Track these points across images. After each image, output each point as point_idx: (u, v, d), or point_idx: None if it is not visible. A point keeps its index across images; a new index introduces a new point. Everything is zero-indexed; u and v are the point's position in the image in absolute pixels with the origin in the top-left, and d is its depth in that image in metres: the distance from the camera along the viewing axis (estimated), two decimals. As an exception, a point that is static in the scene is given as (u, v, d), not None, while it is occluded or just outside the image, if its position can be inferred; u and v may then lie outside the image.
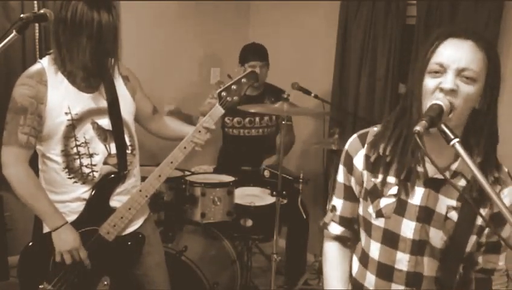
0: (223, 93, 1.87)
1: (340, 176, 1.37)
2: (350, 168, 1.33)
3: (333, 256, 1.43)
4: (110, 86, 1.83)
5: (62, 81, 1.73)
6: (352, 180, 1.34)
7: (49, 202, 1.77)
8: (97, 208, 1.84)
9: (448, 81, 1.12)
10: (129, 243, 1.91)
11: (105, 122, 1.81)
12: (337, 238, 1.43)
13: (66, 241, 1.76)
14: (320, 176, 3.24)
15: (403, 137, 1.23)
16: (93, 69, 1.72)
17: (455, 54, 1.13)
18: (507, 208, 0.98)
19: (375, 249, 1.30)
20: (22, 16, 1.51)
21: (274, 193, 2.59)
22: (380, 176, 1.27)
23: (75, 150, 1.76)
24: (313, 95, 2.98)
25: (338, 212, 1.40)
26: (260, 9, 3.97)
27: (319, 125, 3.33)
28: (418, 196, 1.24)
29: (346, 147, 1.35)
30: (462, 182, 1.22)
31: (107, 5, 1.65)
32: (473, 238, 1.24)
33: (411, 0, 2.95)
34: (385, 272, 1.30)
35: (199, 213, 2.57)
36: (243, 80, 1.88)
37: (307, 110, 2.86)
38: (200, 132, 1.87)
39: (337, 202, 1.40)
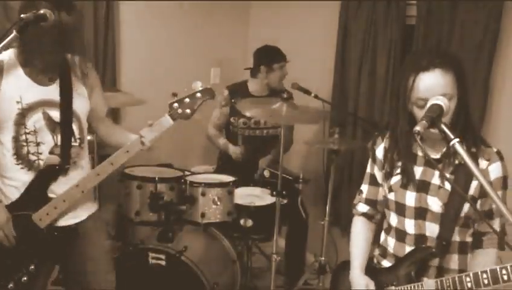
0: (175, 105, 1.89)
1: (368, 167, 1.75)
2: (374, 158, 1.72)
3: (358, 228, 1.78)
4: (65, 80, 1.91)
5: (18, 72, 1.83)
6: (375, 168, 1.71)
7: None
8: (34, 195, 1.89)
9: None
10: (56, 233, 1.94)
11: (56, 114, 1.88)
12: (363, 214, 1.78)
13: None
14: (320, 176, 3.24)
15: (401, 140, 1.57)
16: (50, 64, 1.84)
17: (430, 86, 1.41)
18: (493, 192, 1.17)
19: (393, 219, 1.65)
20: (22, 16, 1.52)
21: (274, 193, 2.59)
22: (392, 162, 1.62)
23: (24, 137, 1.84)
24: (313, 95, 2.98)
25: (364, 195, 1.77)
26: (260, 10, 3.97)
27: (319, 125, 3.33)
28: (417, 172, 1.57)
29: (370, 144, 1.73)
30: (454, 160, 1.50)
31: (67, 7, 1.75)
32: (466, 206, 1.50)
33: (411, 0, 2.95)
34: (400, 235, 1.63)
35: (199, 213, 2.57)
36: (198, 95, 1.90)
37: (307, 110, 2.86)
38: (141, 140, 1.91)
39: (364, 187, 1.78)
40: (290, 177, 3.07)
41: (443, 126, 1.21)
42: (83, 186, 1.91)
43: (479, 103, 2.60)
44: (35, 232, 1.90)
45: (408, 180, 1.57)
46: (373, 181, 1.74)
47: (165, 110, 1.92)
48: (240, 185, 2.83)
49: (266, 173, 3.15)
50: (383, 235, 1.75)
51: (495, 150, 1.52)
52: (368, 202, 1.76)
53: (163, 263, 2.46)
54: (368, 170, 1.76)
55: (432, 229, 1.56)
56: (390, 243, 1.68)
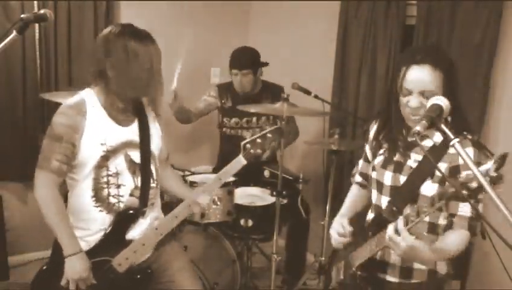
0: (248, 145, 1.93)
1: (366, 145, 1.88)
2: (367, 138, 1.85)
3: (352, 191, 1.97)
4: (144, 120, 1.91)
5: (100, 113, 1.81)
6: (367, 147, 1.85)
7: (68, 229, 1.82)
8: (113, 240, 1.87)
9: (413, 101, 1.53)
10: (138, 276, 1.92)
11: (136, 155, 1.87)
12: (358, 183, 1.96)
13: (75, 270, 1.79)
14: (320, 176, 3.24)
15: (390, 122, 1.70)
16: (132, 102, 1.85)
17: (416, 80, 1.52)
18: (490, 186, 1.15)
19: (373, 195, 1.76)
20: (22, 16, 1.51)
21: (274, 193, 2.59)
22: (378, 143, 1.75)
23: (105, 179, 1.82)
24: (313, 95, 2.98)
25: (359, 168, 1.94)
26: (260, 9, 3.97)
27: (319, 125, 3.32)
28: (396, 155, 1.67)
29: (370, 127, 1.85)
30: (428, 142, 1.59)
31: (151, 38, 1.78)
32: (435, 187, 1.55)
33: (411, 0, 2.95)
34: (377, 211, 1.73)
35: (199, 213, 2.57)
36: (268, 135, 1.95)
37: (307, 110, 2.86)
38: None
39: (360, 161, 1.94)
40: (290, 177, 3.07)
41: (443, 126, 1.22)
42: (161, 229, 1.91)
43: (479, 103, 2.60)
44: (114, 277, 1.88)
45: (387, 161, 1.69)
46: (366, 158, 1.89)
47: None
48: (240, 185, 2.83)
49: (266, 173, 3.15)
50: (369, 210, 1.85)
51: (470, 137, 1.54)
52: (361, 174, 1.93)
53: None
54: (365, 148, 1.89)
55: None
56: (370, 216, 1.79)
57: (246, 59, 3.11)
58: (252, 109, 2.71)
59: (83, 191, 1.84)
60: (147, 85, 1.79)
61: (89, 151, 1.78)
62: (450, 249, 1.53)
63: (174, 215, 1.92)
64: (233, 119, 3.23)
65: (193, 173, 2.96)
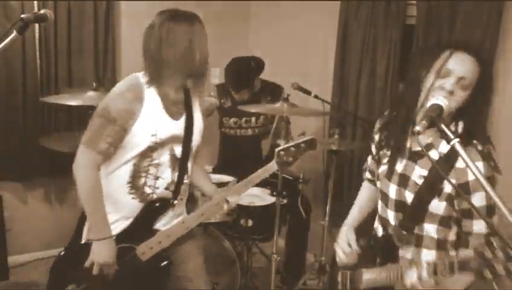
0: (281, 152, 1.92)
1: (372, 144, 1.79)
2: (373, 139, 1.76)
3: (363, 190, 1.90)
4: (190, 114, 1.88)
5: (156, 102, 1.78)
6: (374, 147, 1.76)
7: (104, 213, 1.79)
8: (141, 228, 1.86)
9: (448, 83, 1.43)
10: (159, 266, 1.91)
11: (179, 150, 1.85)
12: (369, 180, 1.88)
13: (102, 255, 1.78)
14: (320, 176, 3.24)
15: (399, 123, 1.58)
16: (184, 92, 1.83)
17: (461, 64, 1.44)
18: (491, 189, 1.12)
19: (379, 205, 1.69)
20: (22, 16, 1.51)
21: (274, 193, 2.59)
22: (383, 150, 1.66)
23: (146, 168, 1.79)
24: (313, 95, 2.98)
25: (368, 165, 1.87)
26: (260, 10, 3.97)
27: (319, 125, 3.33)
28: (400, 165, 1.59)
29: (375, 125, 1.76)
30: (434, 154, 1.50)
31: (194, 18, 1.76)
32: (442, 205, 1.49)
33: (411, 0, 2.95)
34: (383, 223, 1.67)
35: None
36: (302, 145, 1.95)
37: (307, 110, 2.86)
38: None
39: (369, 159, 1.87)
40: (290, 177, 3.07)
41: (443, 126, 1.20)
42: (188, 223, 1.91)
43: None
44: (137, 265, 1.87)
45: (391, 172, 1.61)
46: (373, 156, 1.80)
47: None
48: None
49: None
50: (377, 217, 1.77)
51: (480, 148, 1.47)
52: (370, 171, 1.86)
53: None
54: (371, 147, 1.80)
55: None
56: (379, 228, 1.72)
57: (241, 81, 3.08)
58: (252, 109, 2.71)
59: (120, 175, 1.80)
60: (197, 63, 1.76)
61: (139, 139, 1.75)
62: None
63: (201, 213, 1.92)
64: (232, 119, 3.23)
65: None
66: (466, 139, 1.39)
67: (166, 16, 1.75)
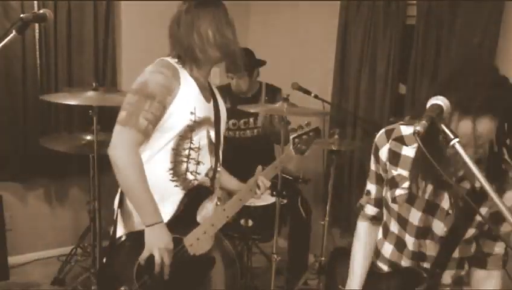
0: (296, 140, 1.97)
1: (372, 165, 1.56)
2: (377, 158, 1.53)
3: (363, 237, 1.63)
4: (216, 101, 1.87)
5: (192, 83, 1.74)
6: (380, 168, 1.53)
7: (151, 195, 1.64)
8: (184, 218, 1.75)
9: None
10: (203, 260, 1.81)
11: (213, 134, 1.79)
12: (372, 218, 1.62)
13: (160, 239, 1.63)
14: (320, 176, 3.24)
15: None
16: (207, 77, 1.82)
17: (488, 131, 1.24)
18: (507, 208, 1.05)
19: (394, 226, 1.52)
20: (22, 16, 1.51)
21: (274, 193, 2.59)
22: (399, 169, 1.46)
23: (186, 152, 1.69)
24: (313, 95, 2.98)
25: (373, 196, 1.59)
26: (260, 10, 3.97)
27: (319, 125, 3.33)
28: (428, 192, 1.42)
29: (376, 140, 1.53)
30: (466, 185, 1.37)
31: (216, 3, 1.77)
32: (472, 231, 1.40)
33: (411, 0, 2.95)
34: (399, 246, 1.51)
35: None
36: (311, 133, 2.02)
37: (307, 110, 2.86)
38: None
39: (371, 186, 1.59)
40: (290, 177, 3.07)
41: (443, 126, 1.19)
42: (228, 211, 1.82)
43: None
44: (186, 258, 1.74)
45: (414, 197, 1.43)
46: (379, 180, 1.56)
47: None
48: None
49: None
50: (380, 234, 1.61)
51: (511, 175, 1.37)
52: (376, 203, 1.60)
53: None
54: (373, 167, 1.57)
55: (432, 249, 1.47)
56: (387, 248, 1.57)
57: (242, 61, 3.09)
58: (252, 109, 2.71)
59: (160, 162, 1.69)
60: (229, 46, 1.77)
61: (177, 117, 1.66)
62: None
63: (239, 199, 1.86)
64: (231, 121, 3.23)
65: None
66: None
67: (193, 2, 1.76)
